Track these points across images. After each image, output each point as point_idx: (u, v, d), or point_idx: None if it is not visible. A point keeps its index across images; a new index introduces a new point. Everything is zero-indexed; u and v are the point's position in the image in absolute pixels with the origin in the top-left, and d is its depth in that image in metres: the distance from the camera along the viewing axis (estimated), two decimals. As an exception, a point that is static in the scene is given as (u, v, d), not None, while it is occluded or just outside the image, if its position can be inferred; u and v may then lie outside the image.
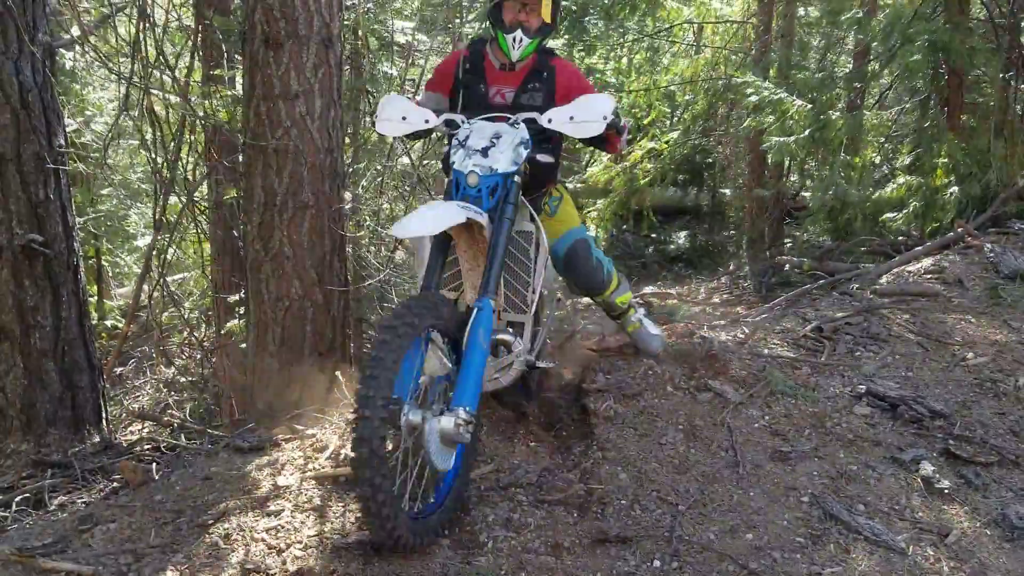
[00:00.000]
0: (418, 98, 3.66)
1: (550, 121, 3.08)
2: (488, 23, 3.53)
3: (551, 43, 8.69)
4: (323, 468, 3.27)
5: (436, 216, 2.76)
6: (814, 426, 3.56)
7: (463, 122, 3.15)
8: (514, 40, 3.34)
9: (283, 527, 2.88)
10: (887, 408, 3.67)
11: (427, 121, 3.13)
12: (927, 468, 3.22)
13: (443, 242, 3.02)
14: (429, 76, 3.94)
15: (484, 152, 3.00)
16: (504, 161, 3.00)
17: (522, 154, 3.05)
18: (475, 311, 2.83)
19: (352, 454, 2.39)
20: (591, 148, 3.21)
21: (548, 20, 3.38)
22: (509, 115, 3.17)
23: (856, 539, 2.84)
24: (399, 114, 3.13)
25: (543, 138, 3.28)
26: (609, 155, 3.39)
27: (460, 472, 2.88)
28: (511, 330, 3.28)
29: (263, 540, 2.80)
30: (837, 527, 2.90)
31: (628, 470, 3.24)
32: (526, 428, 3.59)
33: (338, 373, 4.13)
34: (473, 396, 2.69)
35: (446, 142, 3.43)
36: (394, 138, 4.06)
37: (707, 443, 3.44)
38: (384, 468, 2.42)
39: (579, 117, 3.06)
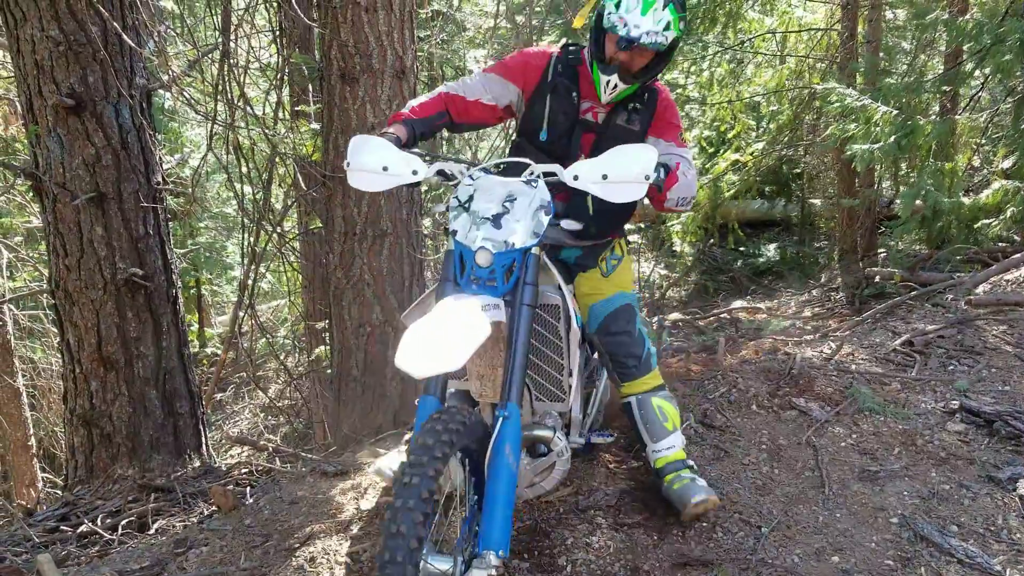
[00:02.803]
0: (467, 80, 3.04)
1: (576, 179, 2.40)
2: (590, 50, 2.90)
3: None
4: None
5: (458, 341, 2.06)
6: (904, 444, 3.45)
7: (462, 174, 2.53)
8: (607, 84, 2.83)
9: (366, 551, 2.94)
10: (982, 424, 3.53)
11: (415, 172, 2.47)
12: (1026, 487, 3.08)
13: None
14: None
15: (496, 221, 2.38)
16: (522, 232, 2.38)
17: (543, 222, 2.42)
18: (499, 422, 2.23)
19: None
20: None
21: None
22: (528, 160, 2.56)
23: (949, 562, 2.73)
24: (378, 163, 2.47)
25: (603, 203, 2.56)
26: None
27: None
28: (549, 421, 2.81)
29: (346, 564, 2.87)
30: (928, 549, 2.80)
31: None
32: (605, 449, 3.58)
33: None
34: (504, 534, 2.14)
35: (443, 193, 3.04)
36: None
37: (791, 463, 3.37)
38: None
39: (615, 176, 2.36)
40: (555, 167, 2.47)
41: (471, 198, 2.44)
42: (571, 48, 3.02)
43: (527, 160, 2.56)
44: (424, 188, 5.09)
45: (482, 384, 2.59)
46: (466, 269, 2.39)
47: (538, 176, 2.49)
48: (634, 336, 3.10)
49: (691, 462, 3.15)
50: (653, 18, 2.68)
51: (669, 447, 3.11)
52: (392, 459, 3.22)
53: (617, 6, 2.71)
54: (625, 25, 2.69)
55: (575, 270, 3.15)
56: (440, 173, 2.57)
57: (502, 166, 2.70)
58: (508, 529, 2.16)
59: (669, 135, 2.95)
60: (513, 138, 3.22)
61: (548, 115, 2.94)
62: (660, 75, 2.97)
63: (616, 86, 2.81)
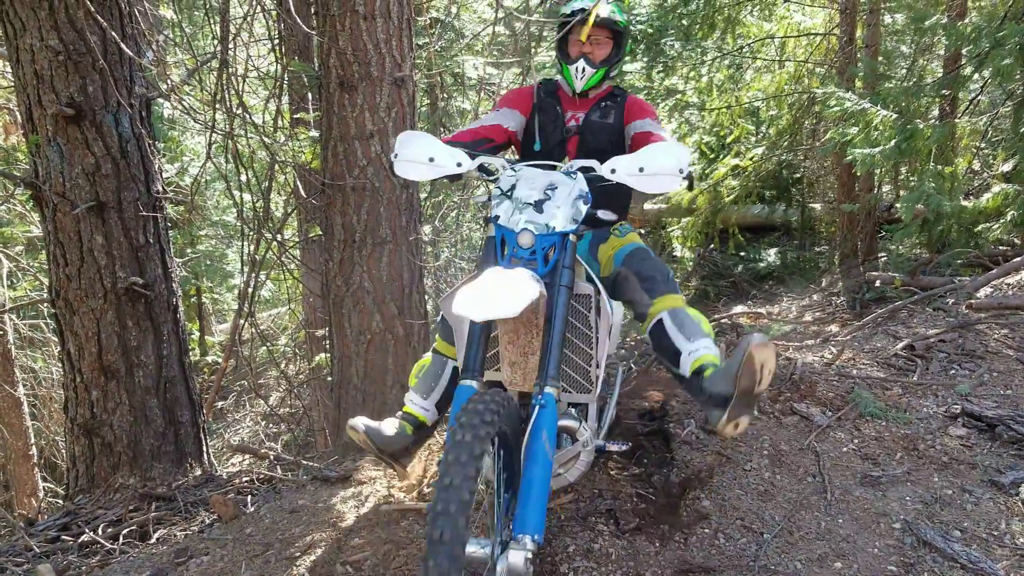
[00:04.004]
0: (473, 126, 3.40)
1: (613, 171, 2.56)
2: (556, 58, 3.49)
3: (627, 67, 8.72)
4: (404, 501, 3.33)
5: (515, 293, 2.17)
6: (906, 449, 3.43)
7: (504, 168, 2.70)
8: (576, 70, 3.31)
9: (367, 559, 2.93)
10: (984, 428, 3.51)
11: (459, 164, 2.68)
12: (1028, 492, 3.06)
13: None
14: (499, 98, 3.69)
15: (538, 206, 2.54)
16: (562, 218, 2.53)
17: (581, 210, 2.59)
18: (536, 409, 2.29)
19: None
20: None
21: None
22: (558, 163, 2.75)
23: (952, 567, 2.72)
24: (424, 154, 2.68)
25: (605, 188, 2.75)
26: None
27: None
28: (574, 411, 2.80)
29: (348, 573, 2.87)
30: (932, 555, 2.78)
31: (711, 497, 3.19)
32: (606, 455, 3.57)
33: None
34: (539, 519, 2.16)
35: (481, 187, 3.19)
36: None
37: (793, 468, 3.36)
38: None
39: (651, 168, 2.52)
40: (592, 162, 2.65)
41: (513, 187, 2.60)
42: (547, 80, 3.55)
43: (558, 163, 2.74)
44: (423, 195, 5.08)
45: (513, 371, 2.64)
46: (507, 250, 2.51)
47: (577, 169, 2.67)
48: (658, 261, 3.21)
49: None
50: (601, 7, 3.23)
51: (707, 347, 2.90)
52: (379, 424, 3.12)
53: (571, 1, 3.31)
54: (583, 9, 3.23)
55: (593, 250, 3.37)
56: (481, 168, 2.73)
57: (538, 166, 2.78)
58: (543, 514, 2.18)
59: (645, 115, 3.31)
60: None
61: (539, 128, 3.36)
62: (618, 67, 3.48)
63: (585, 70, 3.28)
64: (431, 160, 2.67)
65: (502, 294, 2.17)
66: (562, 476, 2.81)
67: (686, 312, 3.00)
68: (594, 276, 2.80)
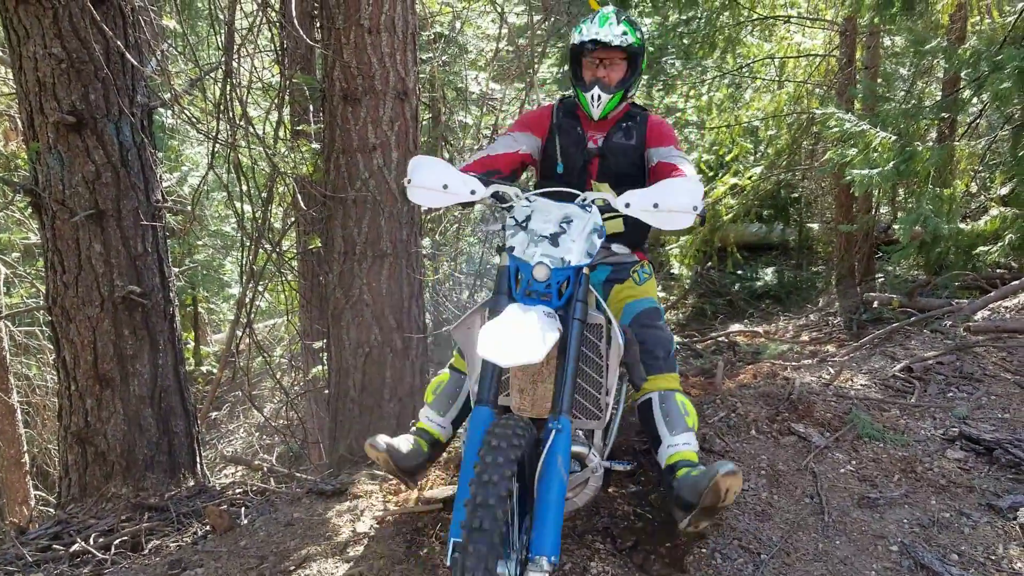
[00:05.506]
0: (479, 155, 3.37)
1: (628, 206, 2.61)
2: (571, 83, 3.41)
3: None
4: (401, 511, 3.31)
5: (538, 338, 2.24)
6: (904, 471, 3.43)
7: (518, 196, 2.72)
8: (592, 98, 3.24)
9: (362, 574, 2.92)
10: (982, 452, 3.51)
11: (473, 192, 2.69)
12: (1026, 516, 3.05)
13: None
14: (510, 122, 3.67)
15: (553, 239, 2.57)
16: (577, 252, 2.56)
17: (596, 244, 2.61)
18: (552, 433, 2.36)
19: None
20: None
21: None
22: (576, 191, 2.77)
23: (950, 591, 2.71)
24: (439, 181, 2.69)
25: (626, 218, 2.85)
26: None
27: None
28: (582, 436, 2.84)
29: (342, 586, 2.85)
30: (929, 578, 2.78)
31: (708, 517, 3.18)
32: (611, 474, 3.55)
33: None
34: (555, 541, 2.24)
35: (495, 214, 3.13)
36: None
37: (790, 489, 3.35)
38: None
39: (665, 204, 2.57)
40: (608, 195, 2.68)
41: (528, 218, 2.63)
42: (567, 97, 3.48)
43: (575, 191, 2.75)
44: (425, 210, 5.08)
45: (522, 398, 2.66)
46: (522, 283, 2.56)
47: (592, 202, 2.70)
48: (665, 332, 3.26)
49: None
50: (611, 29, 3.19)
51: (686, 443, 3.04)
52: (397, 441, 3.15)
53: (580, 31, 3.24)
54: (592, 35, 3.19)
55: (608, 286, 3.37)
56: (495, 196, 2.74)
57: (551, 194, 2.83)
58: (559, 536, 2.25)
59: (668, 142, 3.32)
60: (532, 183, 3.46)
61: (560, 150, 3.36)
62: (635, 86, 3.38)
63: (600, 96, 3.23)
64: (445, 187, 2.69)
65: (525, 337, 2.23)
66: (571, 500, 2.85)
67: (675, 400, 3.12)
68: (605, 306, 2.84)
